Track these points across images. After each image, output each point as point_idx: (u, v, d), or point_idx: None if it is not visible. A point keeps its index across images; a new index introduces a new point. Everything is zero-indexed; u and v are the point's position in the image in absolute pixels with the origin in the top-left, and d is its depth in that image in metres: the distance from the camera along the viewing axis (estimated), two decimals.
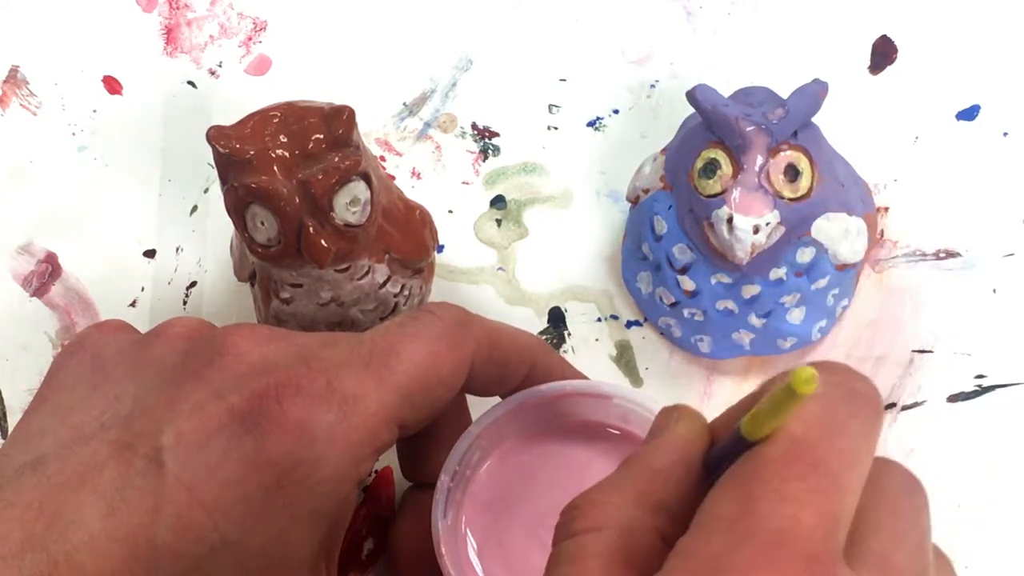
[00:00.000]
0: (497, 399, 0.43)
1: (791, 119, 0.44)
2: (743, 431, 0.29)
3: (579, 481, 0.44)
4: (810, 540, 0.27)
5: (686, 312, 0.47)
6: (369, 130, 0.53)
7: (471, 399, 0.43)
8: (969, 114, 0.52)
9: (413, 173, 0.53)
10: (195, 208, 0.53)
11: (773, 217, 0.43)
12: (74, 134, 0.54)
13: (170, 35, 0.56)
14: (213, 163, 0.42)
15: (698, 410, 0.33)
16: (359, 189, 0.42)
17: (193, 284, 0.52)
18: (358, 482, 0.38)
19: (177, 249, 0.52)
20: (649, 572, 0.29)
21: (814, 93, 0.45)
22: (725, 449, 0.30)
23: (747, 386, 0.49)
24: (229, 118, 0.42)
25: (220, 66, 0.55)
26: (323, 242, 0.41)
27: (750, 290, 0.45)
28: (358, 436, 0.37)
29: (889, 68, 0.53)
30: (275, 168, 0.41)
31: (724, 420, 0.32)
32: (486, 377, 0.41)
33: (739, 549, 0.27)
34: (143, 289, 0.52)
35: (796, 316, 0.46)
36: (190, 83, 0.55)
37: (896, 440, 0.48)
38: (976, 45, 0.53)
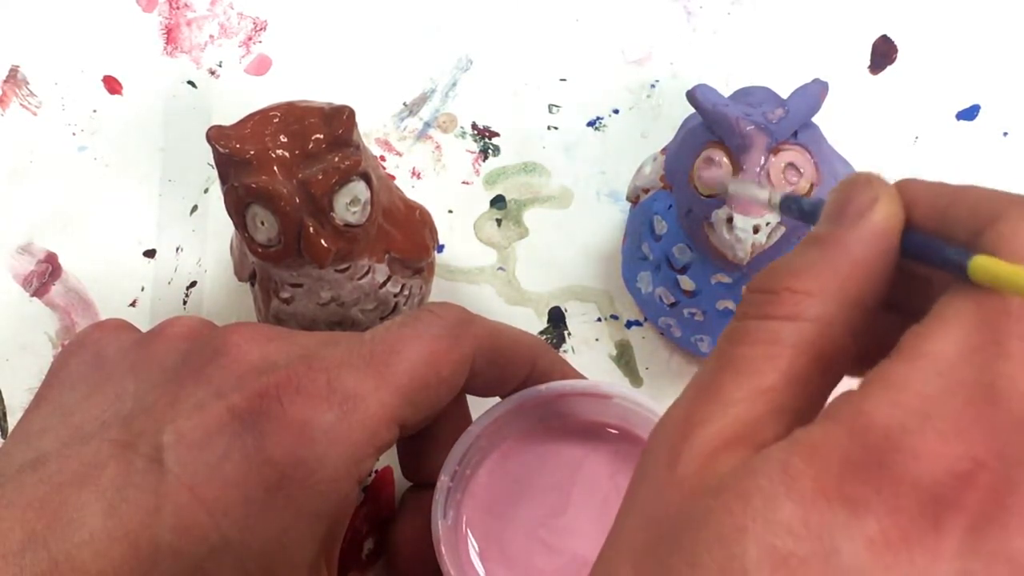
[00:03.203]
0: (497, 399, 0.43)
1: (791, 119, 0.44)
2: (971, 273, 0.26)
3: (578, 481, 0.44)
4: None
5: (686, 312, 0.47)
6: (369, 130, 0.53)
7: (471, 399, 0.43)
8: (969, 114, 0.52)
9: (413, 173, 0.53)
10: (195, 208, 0.53)
11: (773, 217, 0.43)
12: (74, 134, 0.54)
13: (170, 35, 0.56)
14: (213, 163, 0.42)
15: (888, 182, 0.30)
16: (359, 189, 0.42)
17: (193, 284, 0.52)
18: (358, 481, 0.38)
19: (177, 249, 0.52)
20: (835, 371, 0.28)
21: (814, 93, 0.45)
22: (932, 252, 0.28)
23: None
24: (229, 118, 0.42)
25: (220, 66, 0.55)
26: (323, 242, 0.41)
27: None
28: (359, 435, 0.37)
29: (889, 68, 0.53)
30: (275, 168, 0.41)
31: (920, 196, 0.29)
32: (487, 377, 0.41)
33: (952, 398, 0.25)
34: (143, 289, 0.52)
35: None
36: (190, 83, 0.55)
37: None
38: (976, 45, 0.53)
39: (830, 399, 0.27)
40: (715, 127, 0.44)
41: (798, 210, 0.33)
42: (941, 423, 0.25)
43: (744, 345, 0.28)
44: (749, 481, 0.25)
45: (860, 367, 0.28)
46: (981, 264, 0.26)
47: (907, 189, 0.29)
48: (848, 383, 0.28)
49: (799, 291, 0.28)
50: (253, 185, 0.41)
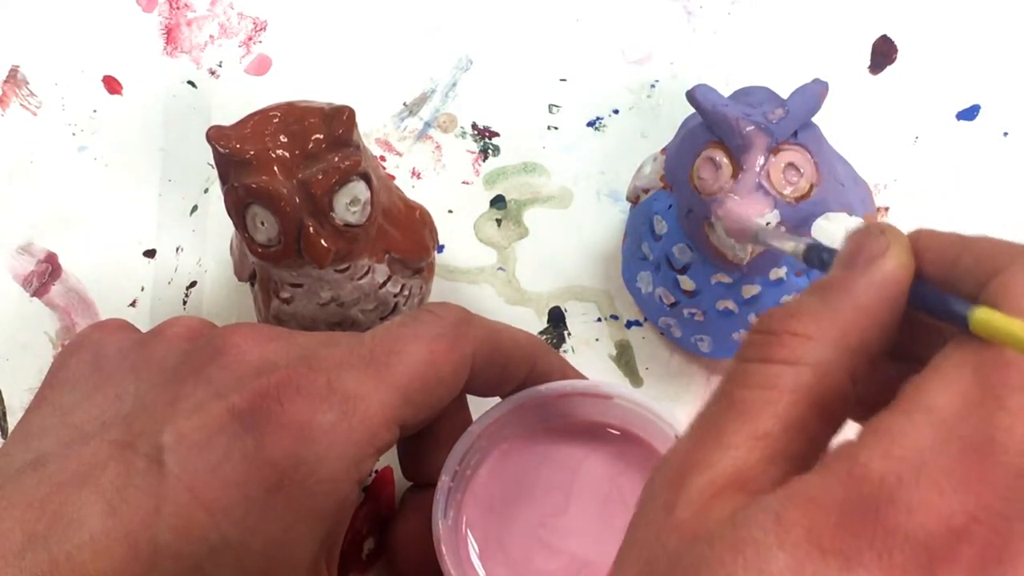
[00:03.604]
0: (497, 399, 0.43)
1: (791, 119, 0.44)
2: (972, 326, 0.26)
3: (578, 481, 0.44)
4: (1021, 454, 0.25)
5: (686, 312, 0.47)
6: (369, 130, 0.53)
7: (471, 399, 0.43)
8: (969, 114, 0.52)
9: (413, 173, 0.53)
10: (195, 208, 0.53)
11: (773, 217, 0.43)
12: (74, 134, 0.54)
13: (170, 35, 0.56)
14: (213, 163, 0.42)
15: (901, 232, 0.30)
16: (359, 189, 0.42)
17: (193, 284, 0.52)
18: (359, 482, 0.38)
19: (177, 249, 0.52)
20: (835, 417, 0.28)
21: (814, 93, 0.45)
22: (937, 304, 0.28)
23: None
24: (229, 118, 0.42)
25: (220, 66, 0.55)
26: (323, 242, 0.41)
27: (750, 290, 0.45)
28: (359, 436, 0.37)
29: (889, 68, 0.53)
30: (275, 168, 0.41)
31: (931, 247, 0.29)
32: (486, 377, 0.41)
33: (949, 451, 0.25)
34: (143, 289, 0.52)
35: None
36: (190, 83, 0.55)
37: None
38: (976, 45, 0.53)
39: (832, 446, 0.27)
40: (715, 127, 0.44)
41: (819, 260, 0.32)
42: (937, 476, 0.25)
43: (743, 388, 0.28)
44: (743, 531, 0.25)
45: (867, 414, 0.27)
46: (981, 317, 0.26)
47: (919, 239, 0.29)
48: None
49: (800, 334, 0.28)
50: (253, 185, 0.41)
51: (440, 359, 0.39)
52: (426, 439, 0.42)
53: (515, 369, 0.42)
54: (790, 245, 0.35)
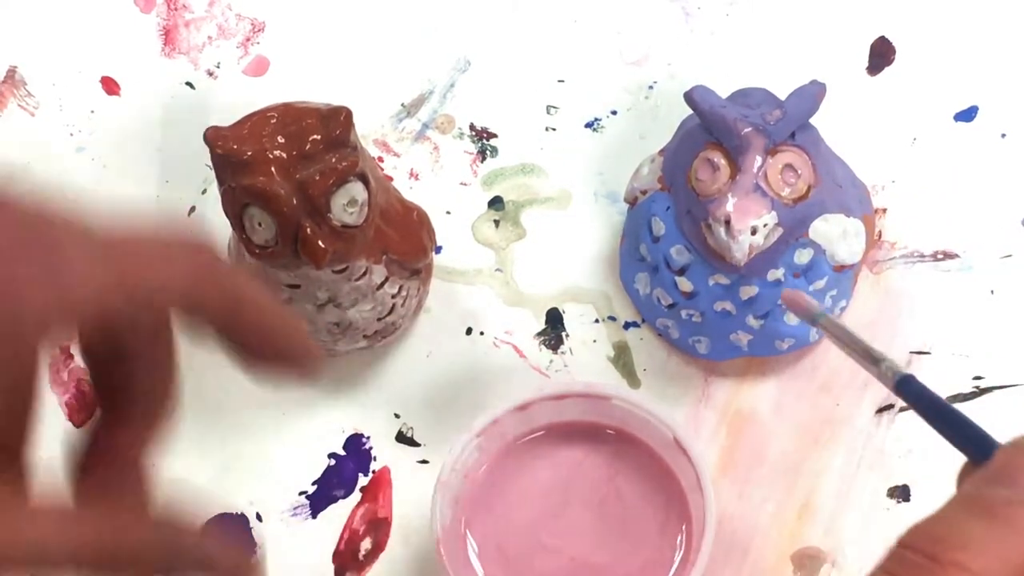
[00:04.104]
0: (497, 400, 0.43)
1: (789, 120, 0.44)
2: None
3: (577, 482, 0.44)
4: None
5: (684, 313, 0.47)
6: (367, 131, 0.53)
7: (473, 402, 0.43)
8: (967, 115, 0.52)
9: (411, 174, 0.53)
10: (193, 209, 0.53)
11: (771, 218, 0.43)
12: (72, 135, 0.54)
13: (168, 36, 0.55)
14: (211, 164, 0.42)
15: None
16: (356, 190, 0.42)
17: None
18: (45, 346, 0.28)
19: None
20: None
21: (812, 94, 0.45)
22: None
23: (745, 387, 0.49)
24: (227, 119, 0.42)
25: (218, 67, 0.55)
26: (320, 243, 0.41)
27: (748, 291, 0.45)
28: (61, 294, 0.26)
29: (887, 69, 0.53)
30: (272, 169, 0.41)
31: None
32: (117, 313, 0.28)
33: None
34: None
35: (794, 317, 0.46)
36: (188, 84, 0.55)
37: (894, 441, 0.48)
38: (974, 46, 0.53)
39: None
40: (713, 128, 0.44)
41: (923, 406, 0.30)
42: None
43: None
44: None
45: None
46: None
47: None
48: None
49: (966, 569, 0.26)
50: (250, 186, 0.41)
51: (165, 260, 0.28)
52: (123, 363, 0.29)
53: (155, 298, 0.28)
54: (876, 365, 0.32)
